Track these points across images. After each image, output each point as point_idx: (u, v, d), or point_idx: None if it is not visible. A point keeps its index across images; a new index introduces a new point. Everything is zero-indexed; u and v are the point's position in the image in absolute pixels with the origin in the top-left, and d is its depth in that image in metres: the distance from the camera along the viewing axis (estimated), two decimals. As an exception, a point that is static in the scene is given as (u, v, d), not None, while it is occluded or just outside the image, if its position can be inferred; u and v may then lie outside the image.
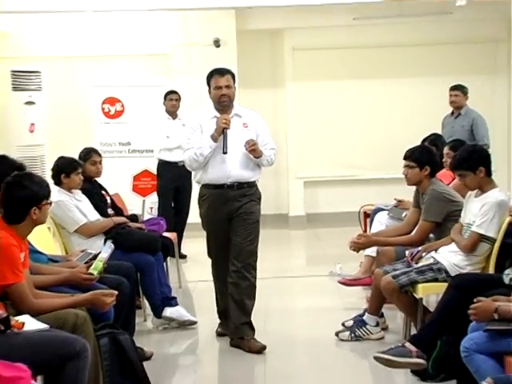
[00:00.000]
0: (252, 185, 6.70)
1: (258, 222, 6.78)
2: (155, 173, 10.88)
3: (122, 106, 12.45)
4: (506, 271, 5.61)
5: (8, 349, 4.28)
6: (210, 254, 6.97)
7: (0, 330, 4.45)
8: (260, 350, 6.62)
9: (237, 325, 6.72)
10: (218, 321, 7.08)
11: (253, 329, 6.79)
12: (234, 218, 6.64)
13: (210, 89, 6.65)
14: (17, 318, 4.75)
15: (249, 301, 6.76)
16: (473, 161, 6.50)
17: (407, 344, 5.90)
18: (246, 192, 6.65)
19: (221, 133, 6.37)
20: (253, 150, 6.42)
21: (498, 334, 4.77)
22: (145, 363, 5.78)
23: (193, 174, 7.01)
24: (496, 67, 13.55)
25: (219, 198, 6.59)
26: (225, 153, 6.42)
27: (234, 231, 6.65)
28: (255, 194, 6.75)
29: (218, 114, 6.51)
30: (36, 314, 4.97)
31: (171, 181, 10.41)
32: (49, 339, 4.70)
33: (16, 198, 5.15)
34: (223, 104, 6.52)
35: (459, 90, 10.69)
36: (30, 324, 4.79)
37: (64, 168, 7.40)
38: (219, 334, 6.96)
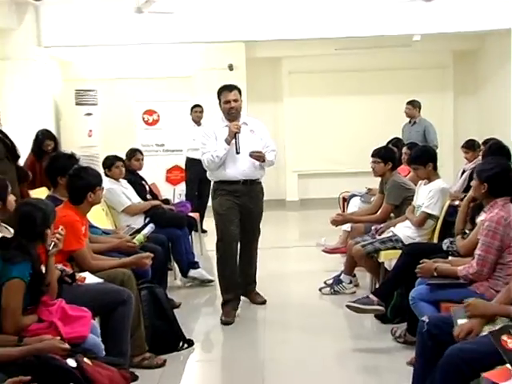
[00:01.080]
0: (258, 182, 6.48)
1: (262, 212, 6.60)
2: (183, 167, 10.97)
3: (158, 116, 12.48)
4: (444, 241, 5.68)
5: (74, 296, 4.37)
6: (219, 242, 6.49)
7: (67, 282, 4.59)
8: (261, 302, 6.71)
9: (245, 284, 6.68)
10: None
11: (255, 286, 6.80)
12: (244, 209, 6.38)
13: (220, 102, 6.38)
14: (80, 274, 4.89)
15: (254, 267, 6.75)
16: (424, 158, 6.58)
17: (371, 295, 5.94)
18: (254, 187, 6.43)
19: (233, 137, 6.12)
20: (257, 157, 6.21)
21: (436, 287, 4.85)
22: (174, 310, 5.96)
23: (208, 172, 6.58)
24: (443, 87, 13.49)
25: (232, 192, 6.30)
26: (238, 153, 6.18)
27: (244, 220, 6.41)
28: (261, 189, 6.55)
29: (229, 123, 6.23)
30: (94, 271, 5.08)
31: (196, 173, 10.02)
32: (103, 290, 4.85)
33: (76, 186, 5.30)
34: (232, 115, 6.25)
35: (411, 104, 10.80)
36: (90, 279, 4.94)
37: (105, 164, 7.54)
38: (224, 323, 6.30)
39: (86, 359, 3.55)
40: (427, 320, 3.98)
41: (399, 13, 10.27)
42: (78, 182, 5.33)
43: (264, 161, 6.28)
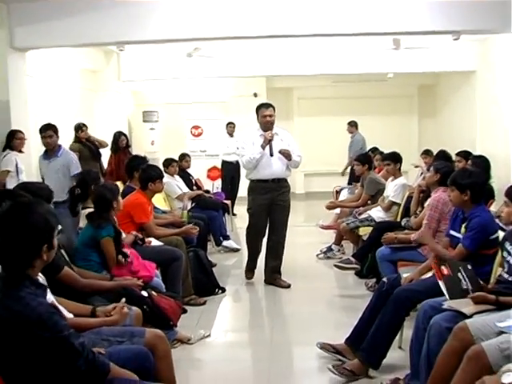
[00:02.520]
0: (285, 180, 6.05)
1: (289, 206, 6.11)
2: (219, 167, 10.96)
3: (202, 130, 12.63)
4: (403, 220, 5.83)
5: (144, 253, 4.56)
6: (249, 229, 6.16)
7: (139, 244, 4.87)
8: (287, 286, 6.01)
9: (271, 273, 6.11)
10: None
11: (280, 277, 6.12)
12: (274, 204, 5.96)
13: (258, 116, 5.99)
14: (147, 239, 5.14)
15: (280, 258, 6.15)
16: (395, 158, 6.78)
17: (351, 258, 6.09)
18: (282, 185, 6.00)
19: (267, 143, 5.79)
20: (285, 154, 5.80)
21: (395, 249, 5.05)
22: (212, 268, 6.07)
23: (244, 173, 6.33)
24: (410, 111, 13.38)
25: (265, 188, 5.91)
26: (271, 155, 5.81)
27: (274, 213, 6.01)
28: (288, 186, 6.10)
29: (264, 133, 5.88)
30: (156, 237, 5.28)
31: (228, 172, 10.25)
32: (163, 249, 5.08)
33: (143, 177, 5.52)
34: (267, 127, 5.87)
35: (349, 124, 11.12)
36: (154, 242, 5.19)
37: (164, 164, 7.58)
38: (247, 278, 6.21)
39: (153, 292, 3.86)
40: (386, 281, 4.04)
41: (378, 57, 10.20)
42: (144, 174, 5.54)
43: (290, 159, 5.87)
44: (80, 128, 7.85)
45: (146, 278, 4.06)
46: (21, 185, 3.54)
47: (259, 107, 6.07)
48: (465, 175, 3.90)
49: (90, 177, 4.85)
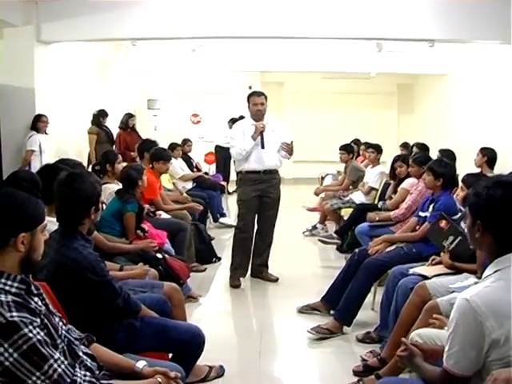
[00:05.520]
0: (276, 171, 5.43)
1: (280, 197, 5.49)
2: (214, 152, 11.22)
3: (200, 118, 12.86)
4: (380, 202, 6.21)
5: (155, 223, 4.85)
6: (240, 219, 5.45)
7: (150, 216, 5.13)
8: (275, 280, 5.49)
9: (258, 266, 5.54)
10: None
11: (267, 270, 5.57)
12: (265, 196, 5.34)
13: (249, 104, 5.33)
14: (158, 212, 5.44)
15: (267, 254, 5.57)
16: (377, 150, 7.14)
17: (333, 234, 6.52)
18: (273, 176, 5.37)
19: (259, 134, 5.18)
20: (288, 148, 5.25)
21: (373, 227, 5.41)
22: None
23: (235, 163, 5.56)
24: (390, 107, 13.46)
25: (255, 180, 5.28)
26: (263, 148, 5.21)
27: (264, 208, 5.39)
28: (278, 178, 5.45)
29: (255, 123, 5.25)
30: (165, 211, 5.59)
31: (223, 155, 10.28)
32: (171, 220, 5.40)
33: (152, 156, 5.82)
34: (258, 116, 5.24)
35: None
36: (163, 215, 5.50)
37: (170, 147, 7.54)
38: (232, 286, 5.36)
39: (166, 255, 4.28)
40: (358, 251, 4.45)
41: (362, 58, 10.41)
42: (153, 156, 5.84)
43: (291, 154, 5.35)
44: (105, 115, 8.24)
45: (159, 244, 4.36)
46: (61, 160, 3.88)
47: (250, 95, 5.43)
48: (441, 165, 4.29)
49: (110, 156, 5.20)
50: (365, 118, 13.05)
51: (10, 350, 1.65)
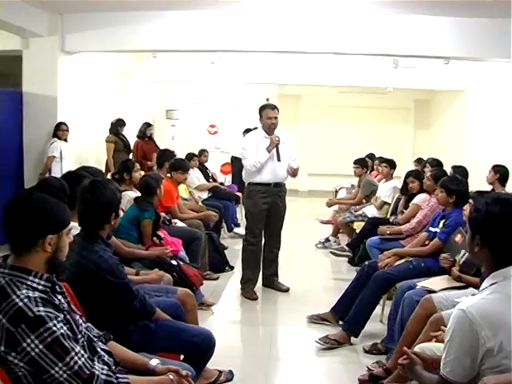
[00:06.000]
0: (284, 184, 5.45)
1: (286, 208, 5.51)
2: (230, 163, 11.35)
3: (217, 129, 12.96)
4: (392, 217, 6.30)
5: (170, 231, 5.00)
6: (249, 231, 5.46)
7: (166, 224, 5.28)
8: (285, 290, 5.58)
9: (269, 276, 5.61)
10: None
11: (277, 279, 5.65)
12: (273, 208, 5.36)
13: (261, 117, 5.31)
14: (173, 220, 5.59)
15: (276, 264, 5.64)
16: (391, 165, 7.21)
17: (344, 246, 6.60)
18: (282, 189, 5.40)
19: (274, 147, 5.20)
20: (293, 173, 5.31)
21: (383, 240, 5.50)
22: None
23: (243, 176, 5.56)
24: (407, 123, 13.51)
25: (266, 192, 5.27)
26: (279, 160, 5.24)
27: (272, 217, 5.41)
28: (285, 190, 5.48)
29: (267, 135, 5.25)
30: (181, 220, 5.75)
31: (239, 166, 10.17)
32: (187, 230, 5.53)
33: (171, 166, 6.02)
34: (271, 129, 5.24)
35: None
36: (179, 223, 5.64)
37: (187, 157, 7.81)
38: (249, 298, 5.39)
39: (180, 262, 4.43)
40: (367, 264, 4.55)
41: (379, 73, 10.49)
42: (172, 166, 6.04)
43: (296, 175, 5.41)
44: (123, 124, 8.41)
45: (174, 251, 4.53)
46: (82, 167, 4.04)
47: (264, 108, 5.38)
48: (454, 182, 4.37)
49: (128, 165, 5.38)
50: (381, 132, 13.13)
51: (36, 342, 1.80)
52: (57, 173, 6.82)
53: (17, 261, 1.93)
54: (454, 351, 1.96)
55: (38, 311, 1.82)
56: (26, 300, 1.83)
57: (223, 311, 5.12)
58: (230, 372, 3.64)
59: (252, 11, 6.87)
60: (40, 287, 1.92)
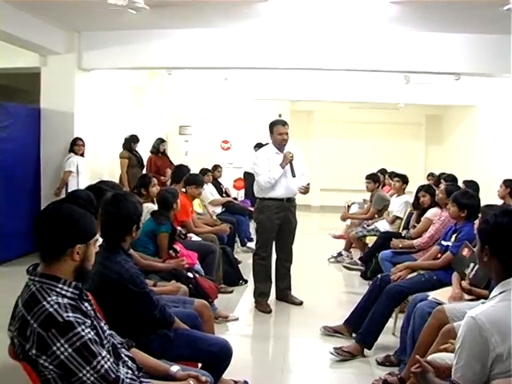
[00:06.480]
0: (295, 198, 5.52)
1: (297, 222, 5.58)
2: (243, 178, 11.55)
3: (230, 144, 13.09)
4: (404, 231, 6.35)
5: (186, 245, 5.09)
6: (260, 246, 5.54)
7: (182, 238, 5.36)
8: (299, 303, 5.65)
9: (282, 290, 5.69)
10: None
11: (291, 293, 5.72)
12: (285, 223, 5.44)
13: (272, 133, 5.37)
14: (189, 234, 5.68)
15: (290, 277, 5.70)
16: (403, 180, 7.26)
17: (357, 260, 6.65)
18: (293, 203, 5.49)
19: (287, 162, 5.24)
20: (305, 192, 5.37)
21: (396, 253, 5.53)
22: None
23: (255, 191, 5.54)
24: (418, 138, 13.71)
25: (278, 207, 5.34)
26: (294, 176, 5.28)
27: (284, 231, 5.49)
28: (295, 204, 5.56)
29: (279, 151, 5.31)
30: (196, 234, 5.84)
31: (251, 181, 10.46)
32: (202, 243, 5.62)
33: (186, 181, 6.12)
34: (283, 145, 5.32)
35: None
36: (194, 237, 5.75)
37: (201, 172, 7.84)
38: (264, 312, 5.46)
39: (196, 274, 4.53)
40: (380, 277, 4.61)
41: (391, 89, 10.66)
42: (187, 181, 6.14)
43: (307, 192, 5.42)
44: (137, 140, 8.53)
45: (189, 264, 4.62)
46: (101, 181, 4.16)
47: (275, 124, 5.44)
48: (466, 196, 4.43)
49: (145, 180, 5.52)
50: (392, 147, 13.25)
51: (66, 346, 1.90)
52: (73, 187, 7.00)
53: (46, 269, 2.04)
54: (465, 357, 2.03)
55: (68, 316, 1.92)
56: (56, 306, 1.93)
57: (237, 324, 5.18)
58: (246, 382, 3.69)
59: (265, 29, 7.05)
60: (68, 294, 2.01)
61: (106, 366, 1.98)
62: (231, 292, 6.01)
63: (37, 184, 7.45)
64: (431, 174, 9.18)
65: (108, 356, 2.02)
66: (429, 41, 7.01)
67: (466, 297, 3.79)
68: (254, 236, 8.26)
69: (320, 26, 6.92)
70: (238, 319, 5.21)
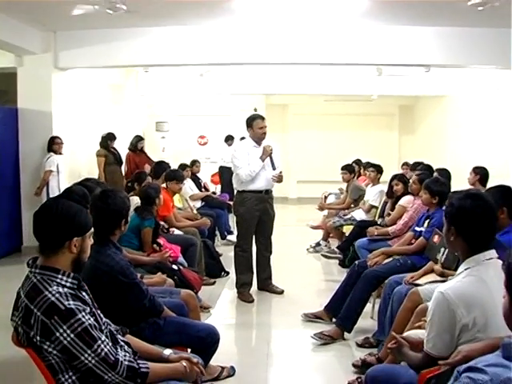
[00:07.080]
0: (272, 190, 5.66)
1: (275, 213, 5.74)
2: (218, 173, 11.71)
3: (207, 139, 13.32)
4: (379, 219, 6.54)
5: (169, 239, 5.18)
6: (241, 238, 5.70)
7: (164, 232, 5.47)
8: (280, 292, 5.83)
9: (263, 280, 5.85)
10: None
11: (271, 282, 5.88)
12: (264, 215, 5.60)
13: (251, 128, 5.51)
14: (171, 228, 5.77)
15: (270, 265, 5.87)
16: (378, 170, 7.46)
17: (335, 249, 6.81)
18: (270, 195, 5.62)
19: (267, 155, 5.40)
20: (279, 181, 5.49)
21: (372, 241, 5.72)
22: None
23: (235, 184, 5.68)
24: (392, 128, 13.94)
25: (258, 199, 5.49)
26: (274, 169, 5.45)
27: (264, 223, 5.64)
28: (273, 197, 5.70)
29: (257, 145, 5.48)
30: (177, 228, 5.94)
31: (227, 175, 10.08)
32: (184, 237, 5.72)
33: (166, 177, 6.19)
34: (262, 139, 5.47)
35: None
36: (176, 231, 5.84)
37: (180, 168, 7.83)
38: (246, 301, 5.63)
39: (181, 266, 4.67)
40: (357, 263, 4.80)
41: (364, 80, 10.85)
42: (166, 176, 6.23)
43: (281, 181, 5.56)
44: (113, 138, 8.58)
45: (173, 256, 4.77)
46: (85, 179, 4.27)
47: (254, 118, 5.58)
48: (437, 184, 4.62)
49: (141, 176, 5.79)
50: (367, 138, 13.47)
51: (68, 331, 2.04)
52: (54, 186, 7.08)
53: (46, 261, 2.17)
54: (435, 329, 2.24)
55: (69, 304, 2.06)
56: (57, 295, 2.07)
57: (221, 314, 5.35)
58: (232, 368, 3.87)
59: (239, 25, 7.17)
60: (68, 284, 2.15)
61: (105, 350, 2.12)
62: (213, 284, 6.13)
63: (16, 182, 7.49)
64: (406, 164, 9.36)
65: (107, 340, 2.17)
66: (400, 34, 7.21)
67: (438, 278, 3.98)
68: (233, 229, 8.35)
69: (293, 21, 7.05)
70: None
